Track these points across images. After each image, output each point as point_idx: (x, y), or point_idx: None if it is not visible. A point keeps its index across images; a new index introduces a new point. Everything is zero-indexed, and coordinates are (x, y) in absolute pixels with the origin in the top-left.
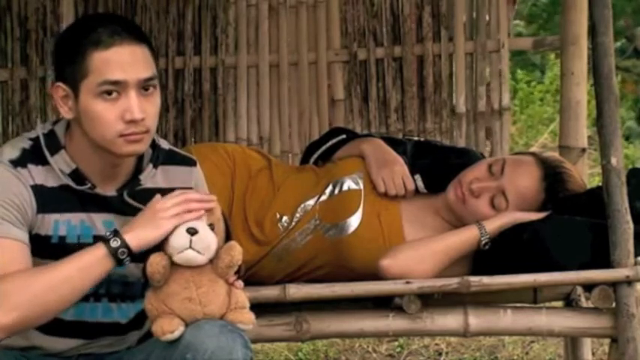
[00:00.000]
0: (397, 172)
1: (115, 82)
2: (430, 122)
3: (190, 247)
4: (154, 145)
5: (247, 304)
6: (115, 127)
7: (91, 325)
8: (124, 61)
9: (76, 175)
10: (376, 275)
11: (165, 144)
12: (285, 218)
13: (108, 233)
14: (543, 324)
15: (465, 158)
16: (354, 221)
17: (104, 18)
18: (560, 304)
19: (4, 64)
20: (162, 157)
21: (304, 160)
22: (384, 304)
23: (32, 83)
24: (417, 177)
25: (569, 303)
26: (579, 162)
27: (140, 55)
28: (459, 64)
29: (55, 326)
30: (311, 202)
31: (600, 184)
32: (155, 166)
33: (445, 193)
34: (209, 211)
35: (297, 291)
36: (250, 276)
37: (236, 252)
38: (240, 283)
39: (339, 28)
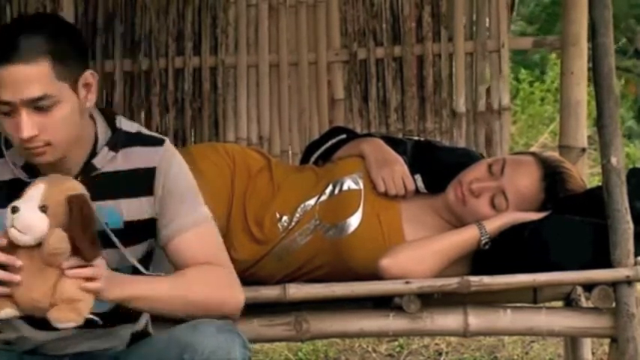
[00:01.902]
0: (397, 172)
1: (5, 102)
2: (430, 122)
3: (12, 225)
4: (114, 128)
5: (77, 296)
6: (16, 140)
7: None
8: (8, 82)
9: (29, 168)
10: (376, 275)
11: (132, 127)
12: (285, 218)
13: None
14: (543, 324)
15: (465, 158)
16: (353, 221)
17: (2, 33)
18: (560, 304)
19: None
20: (124, 140)
21: (304, 159)
22: (384, 304)
23: None
24: (417, 177)
25: (569, 303)
26: (579, 162)
27: (25, 75)
28: (458, 64)
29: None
30: (311, 202)
31: (600, 184)
32: (115, 149)
33: (445, 193)
34: (47, 193)
35: (297, 291)
36: (250, 276)
37: (53, 239)
38: (73, 272)
39: (339, 28)
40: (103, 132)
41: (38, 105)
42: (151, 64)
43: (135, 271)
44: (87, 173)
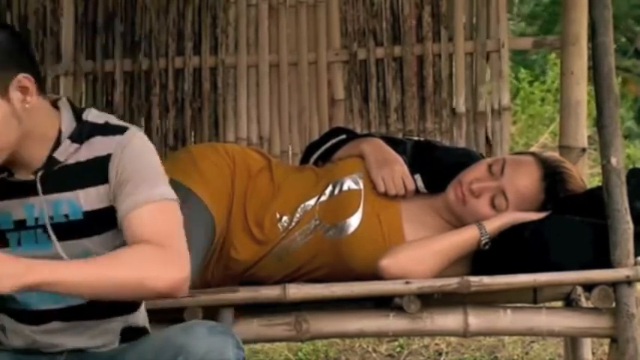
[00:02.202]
0: (397, 172)
1: None
2: (430, 122)
3: None
4: (80, 121)
5: None
6: None
7: (50, 312)
8: None
9: None
10: (376, 275)
11: (99, 118)
12: (285, 218)
13: None
14: (543, 324)
15: (465, 158)
16: (353, 221)
17: None
18: (560, 304)
19: None
20: (89, 131)
21: (304, 160)
22: (384, 304)
23: None
24: (417, 177)
25: (569, 303)
26: (579, 162)
27: None
28: (458, 64)
29: (19, 312)
30: (311, 202)
31: (600, 184)
32: (79, 141)
33: (445, 193)
34: None
35: (297, 291)
36: (250, 276)
37: None
38: None
39: (339, 28)
40: (68, 125)
41: None
42: (151, 64)
43: None
44: (50, 167)
